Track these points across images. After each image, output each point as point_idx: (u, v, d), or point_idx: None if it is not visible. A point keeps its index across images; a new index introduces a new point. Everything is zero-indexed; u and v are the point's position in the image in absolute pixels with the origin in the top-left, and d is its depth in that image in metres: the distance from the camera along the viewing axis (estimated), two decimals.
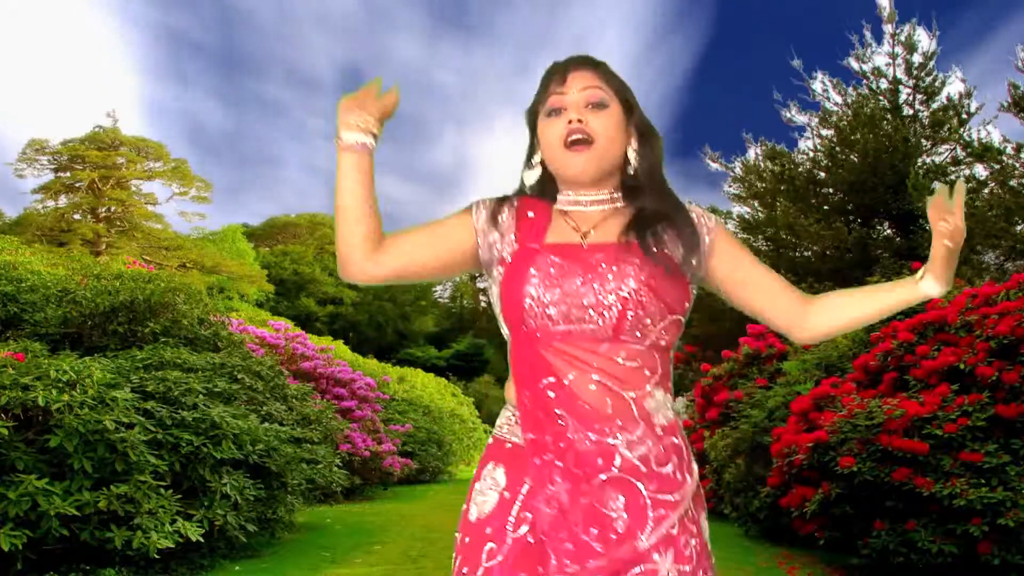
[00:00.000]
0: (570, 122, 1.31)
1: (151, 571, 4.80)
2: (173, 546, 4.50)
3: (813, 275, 13.37)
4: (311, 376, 11.58)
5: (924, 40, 14.55)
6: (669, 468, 1.26)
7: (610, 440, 1.22)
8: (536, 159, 1.41)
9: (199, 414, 5.18)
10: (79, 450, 4.24)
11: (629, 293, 1.23)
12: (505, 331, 1.34)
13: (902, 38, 14.59)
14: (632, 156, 1.37)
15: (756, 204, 15.74)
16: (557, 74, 1.36)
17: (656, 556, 1.19)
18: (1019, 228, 10.87)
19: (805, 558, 6.04)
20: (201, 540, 4.75)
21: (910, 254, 12.81)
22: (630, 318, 1.23)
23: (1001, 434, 4.71)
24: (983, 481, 4.53)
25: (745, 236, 15.77)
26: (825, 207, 14.86)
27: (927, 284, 1.29)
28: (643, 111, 1.40)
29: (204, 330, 7.27)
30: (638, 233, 1.30)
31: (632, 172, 1.38)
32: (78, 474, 4.25)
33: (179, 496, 4.77)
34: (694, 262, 1.32)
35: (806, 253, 14.68)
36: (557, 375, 1.24)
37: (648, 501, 1.21)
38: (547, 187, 1.42)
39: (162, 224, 31.00)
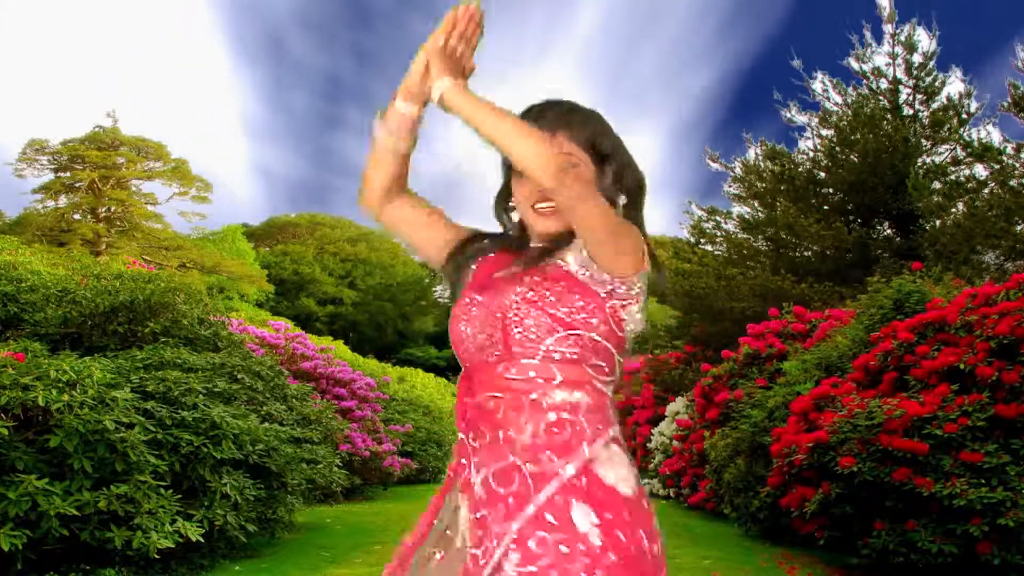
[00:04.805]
0: (541, 189, 1.36)
1: (151, 571, 4.80)
2: (173, 546, 4.50)
3: (813, 275, 13.36)
4: (311, 376, 11.58)
5: (924, 40, 14.55)
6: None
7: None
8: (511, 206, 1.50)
9: (199, 414, 5.18)
10: (79, 450, 4.24)
11: (508, 306, 1.32)
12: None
13: (902, 38, 14.58)
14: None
15: (756, 204, 15.72)
16: None
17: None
18: (1019, 228, 10.86)
19: (805, 558, 6.04)
20: (201, 540, 4.75)
21: (910, 254, 12.80)
22: (513, 332, 1.31)
23: (1001, 434, 4.71)
24: (983, 481, 4.53)
25: (745, 236, 15.76)
26: (825, 207, 14.84)
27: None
28: (616, 146, 1.43)
29: (204, 330, 7.27)
30: (528, 261, 1.39)
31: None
32: (78, 474, 4.25)
33: (179, 496, 4.77)
34: (593, 271, 1.34)
35: (806, 253, 14.66)
36: (472, 398, 1.35)
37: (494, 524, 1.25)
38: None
39: (162, 224, 30.99)
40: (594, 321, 1.31)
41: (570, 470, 1.25)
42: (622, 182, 1.43)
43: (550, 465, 1.25)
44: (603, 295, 1.33)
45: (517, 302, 1.32)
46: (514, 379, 1.31)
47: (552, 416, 1.28)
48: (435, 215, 1.51)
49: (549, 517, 1.22)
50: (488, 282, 1.40)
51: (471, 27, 1.32)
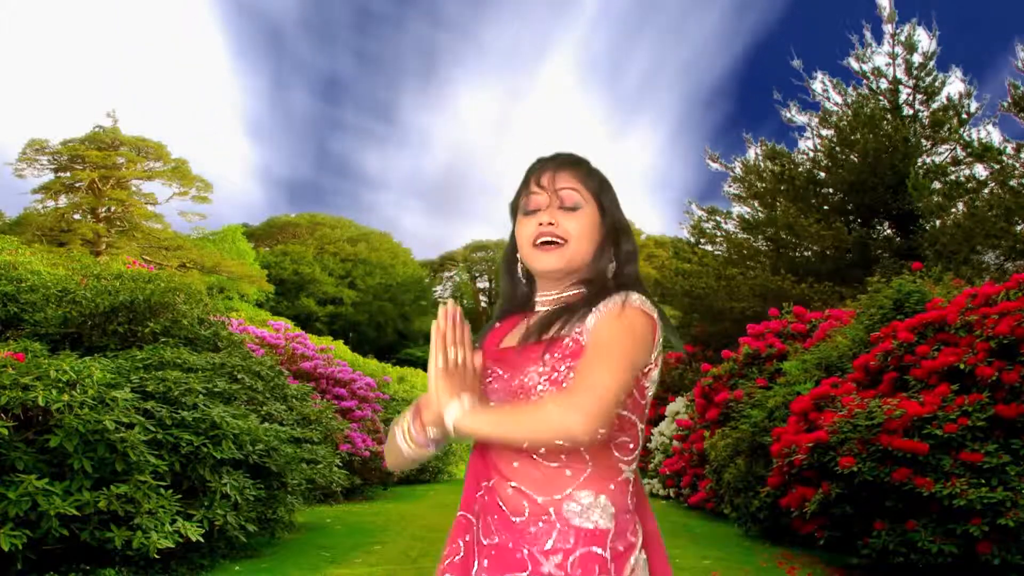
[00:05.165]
0: (540, 224, 1.36)
1: (151, 571, 4.80)
2: (173, 546, 4.50)
3: (813, 275, 13.37)
4: (311, 376, 11.58)
5: (924, 40, 14.56)
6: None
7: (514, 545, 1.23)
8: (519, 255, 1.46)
9: (199, 414, 5.18)
10: (79, 450, 4.24)
11: (531, 387, 1.27)
12: None
13: (902, 38, 14.60)
14: (602, 256, 1.40)
15: (756, 204, 15.73)
16: (537, 173, 1.39)
17: None
18: (1019, 228, 10.87)
19: (805, 558, 6.04)
20: (201, 540, 4.75)
21: (910, 254, 12.81)
22: None
23: (1001, 434, 4.71)
24: (983, 481, 4.53)
25: (745, 236, 15.76)
26: (825, 207, 14.86)
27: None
28: (619, 209, 1.43)
29: (204, 330, 7.27)
30: (541, 329, 1.32)
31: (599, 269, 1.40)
32: (78, 474, 4.25)
33: (179, 496, 4.77)
34: None
35: (806, 253, 14.67)
36: (487, 479, 1.30)
37: None
38: (532, 286, 1.47)
39: (162, 224, 31.00)
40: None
41: None
42: (619, 246, 1.41)
43: None
44: None
45: (541, 382, 1.27)
46: (541, 466, 1.25)
47: (573, 537, 1.22)
48: None
49: None
50: (502, 353, 1.36)
51: (459, 330, 1.29)
